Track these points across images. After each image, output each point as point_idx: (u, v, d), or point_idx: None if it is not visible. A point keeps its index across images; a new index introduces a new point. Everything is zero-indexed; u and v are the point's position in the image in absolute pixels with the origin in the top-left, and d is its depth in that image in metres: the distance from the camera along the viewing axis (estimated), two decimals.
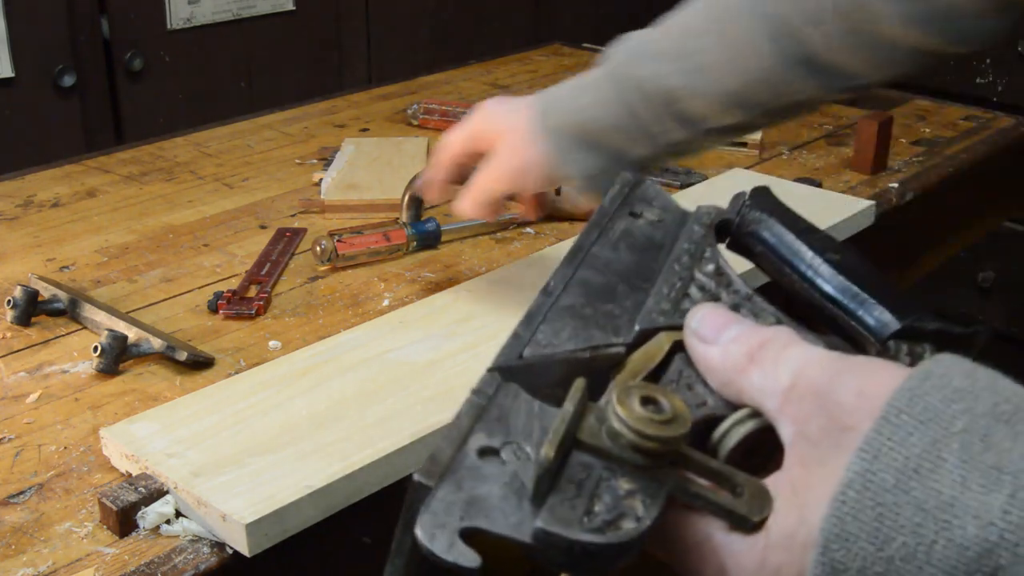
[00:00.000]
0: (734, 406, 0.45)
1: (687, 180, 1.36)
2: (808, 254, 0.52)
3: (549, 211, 1.23)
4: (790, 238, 0.53)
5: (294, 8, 2.20)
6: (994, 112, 1.66)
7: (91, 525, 0.75)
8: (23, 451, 0.83)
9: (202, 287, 1.09)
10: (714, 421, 0.45)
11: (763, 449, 0.44)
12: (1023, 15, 0.76)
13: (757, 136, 1.48)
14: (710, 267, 0.51)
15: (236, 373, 0.92)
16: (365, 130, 1.55)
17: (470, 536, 0.39)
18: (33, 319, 1.01)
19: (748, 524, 0.41)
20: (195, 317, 1.03)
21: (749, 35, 0.81)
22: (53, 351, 0.97)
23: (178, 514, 0.75)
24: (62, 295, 1.02)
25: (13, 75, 1.83)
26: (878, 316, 0.49)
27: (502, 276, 1.07)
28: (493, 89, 1.73)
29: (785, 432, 0.43)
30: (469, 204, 0.93)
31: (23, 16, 1.81)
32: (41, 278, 1.07)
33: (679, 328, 0.48)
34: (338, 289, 1.08)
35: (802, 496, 0.41)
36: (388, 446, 0.79)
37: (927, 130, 1.59)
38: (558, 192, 1.23)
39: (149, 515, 0.74)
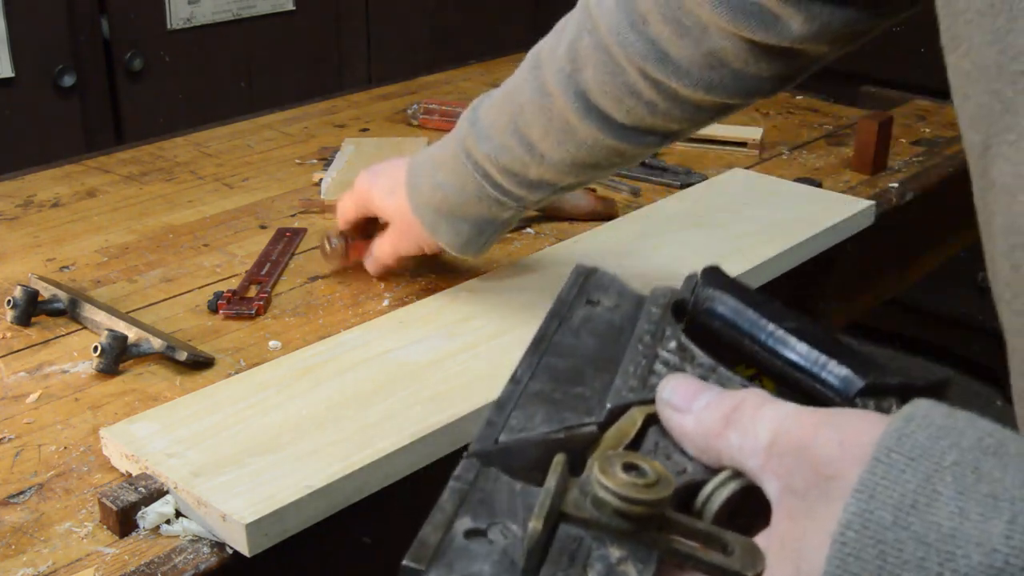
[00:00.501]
0: (714, 470, 0.46)
1: (687, 180, 1.36)
2: (767, 324, 0.53)
3: (548, 211, 1.24)
4: (746, 311, 0.54)
5: (294, 8, 2.21)
6: None
7: (91, 525, 0.75)
8: (23, 451, 0.83)
9: (202, 287, 1.09)
10: (695, 487, 0.46)
11: (746, 510, 0.45)
12: (799, 69, 0.82)
13: (757, 136, 1.48)
14: (672, 344, 0.52)
15: (236, 373, 0.92)
16: (365, 130, 1.55)
17: None
18: (33, 319, 1.01)
19: None
20: (195, 317, 1.03)
21: (566, 113, 0.87)
22: (53, 351, 0.97)
23: (178, 514, 0.75)
24: (62, 295, 1.02)
25: (13, 75, 1.83)
26: (843, 376, 0.51)
27: (502, 276, 1.07)
28: (493, 89, 1.72)
29: (770, 488, 0.43)
30: (375, 269, 1.07)
31: (23, 16, 1.81)
32: (41, 278, 1.07)
33: (650, 402, 0.49)
34: (338, 289, 1.08)
35: (794, 548, 0.41)
36: (388, 446, 0.79)
37: (927, 130, 1.59)
38: None
39: (149, 515, 0.74)
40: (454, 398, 0.84)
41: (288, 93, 2.09)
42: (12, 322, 1.00)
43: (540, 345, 0.54)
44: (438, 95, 1.69)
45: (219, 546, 0.73)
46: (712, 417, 0.46)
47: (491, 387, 0.85)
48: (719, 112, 0.86)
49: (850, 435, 0.41)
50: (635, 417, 0.48)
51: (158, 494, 0.75)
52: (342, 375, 0.88)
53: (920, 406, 0.41)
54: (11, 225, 1.24)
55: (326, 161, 1.40)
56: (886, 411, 0.49)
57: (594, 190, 1.30)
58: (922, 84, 1.95)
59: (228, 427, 0.81)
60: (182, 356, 0.92)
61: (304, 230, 1.21)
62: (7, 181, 1.37)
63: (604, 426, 0.49)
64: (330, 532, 0.76)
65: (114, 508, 0.73)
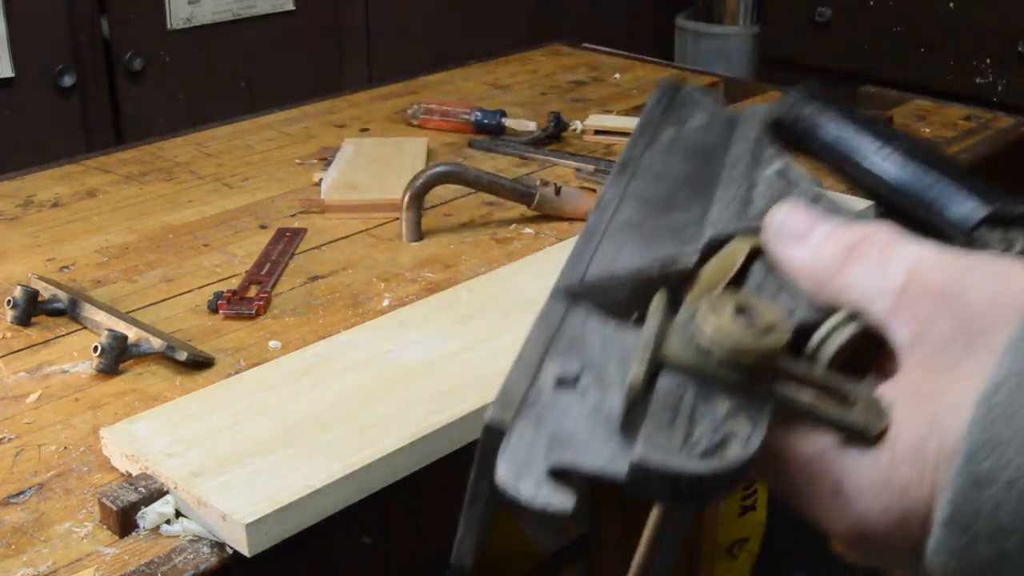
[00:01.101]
0: (828, 312, 0.40)
1: None
2: (873, 144, 0.47)
3: (548, 211, 1.24)
4: (850, 130, 0.48)
5: (294, 8, 2.21)
6: (994, 112, 1.66)
7: (91, 525, 0.75)
8: (23, 451, 0.83)
9: (202, 287, 1.09)
10: (806, 331, 0.39)
11: (862, 358, 0.40)
12: None
13: None
14: (772, 168, 0.45)
15: (236, 373, 0.92)
16: (365, 130, 1.55)
17: (558, 477, 0.34)
18: (33, 319, 1.01)
19: (867, 436, 0.36)
20: (195, 317, 1.03)
21: None
22: (53, 351, 0.97)
23: (178, 514, 0.75)
24: (62, 295, 1.02)
25: (13, 75, 1.83)
26: (961, 203, 0.44)
27: (502, 276, 1.07)
28: (493, 89, 1.73)
29: (900, 335, 0.38)
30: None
31: (23, 16, 1.81)
32: (41, 278, 1.07)
33: (754, 232, 0.42)
34: (338, 289, 1.08)
35: (930, 404, 0.36)
36: (388, 446, 0.79)
37: (927, 130, 1.59)
38: (558, 192, 1.23)
39: (149, 515, 0.74)
40: (454, 398, 0.84)
41: (288, 93, 2.09)
42: (12, 322, 1.00)
43: (626, 169, 0.47)
44: (438, 95, 1.69)
45: (219, 546, 0.73)
46: (832, 250, 0.39)
47: (491, 387, 0.85)
48: None
49: (1007, 285, 0.36)
50: (737, 249, 0.42)
51: (158, 494, 0.75)
52: (342, 375, 0.88)
53: None
54: (11, 225, 1.24)
55: (326, 161, 1.40)
56: (1012, 243, 0.44)
57: (594, 190, 1.30)
58: (922, 84, 1.96)
59: (228, 427, 0.81)
60: (182, 356, 0.92)
61: (304, 230, 1.21)
62: (7, 181, 1.37)
63: (702, 259, 0.43)
64: (330, 532, 0.76)
65: (114, 508, 0.73)
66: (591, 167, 1.39)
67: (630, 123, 1.51)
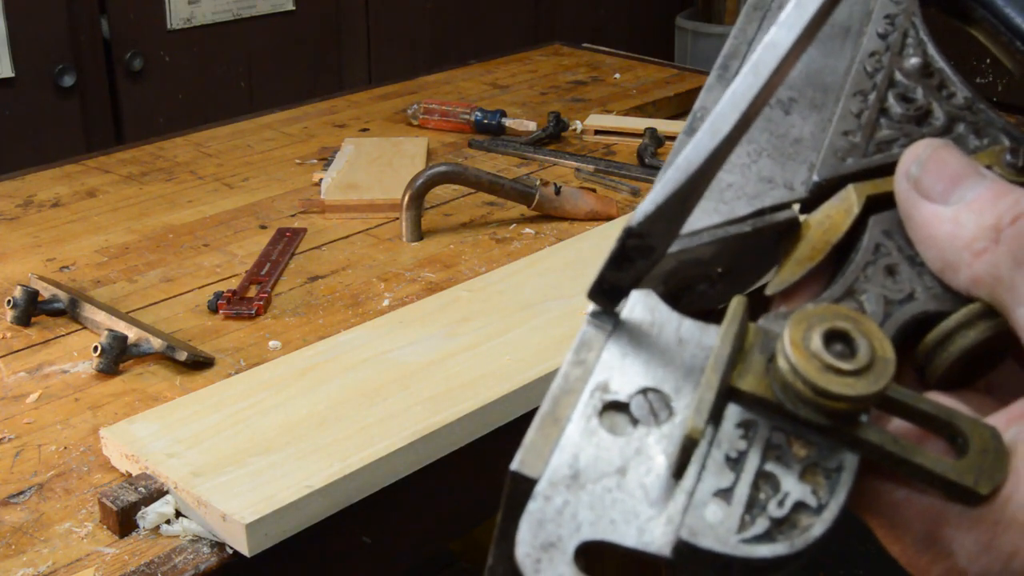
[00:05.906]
0: (956, 299, 0.32)
1: None
2: None
3: (548, 211, 1.24)
4: None
5: (294, 8, 2.21)
6: None
7: (91, 525, 0.75)
8: (23, 451, 0.83)
9: (202, 287, 1.09)
10: (925, 320, 0.32)
11: (989, 360, 0.32)
12: None
13: None
14: (913, 61, 0.36)
15: (236, 373, 0.92)
16: (365, 130, 1.55)
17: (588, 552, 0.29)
18: (33, 319, 1.01)
19: (974, 497, 0.29)
20: (195, 317, 1.03)
21: None
22: (53, 351, 0.97)
23: (178, 514, 0.75)
24: (62, 295, 1.02)
25: (13, 75, 1.83)
26: None
27: (502, 276, 1.07)
28: (493, 89, 1.73)
29: None
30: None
31: (23, 16, 1.82)
32: (41, 278, 1.07)
33: (876, 173, 0.34)
34: (338, 289, 1.08)
35: None
36: (388, 446, 0.79)
37: None
38: (558, 192, 1.23)
39: (149, 515, 0.74)
40: (454, 398, 0.84)
41: (288, 93, 2.09)
42: (12, 322, 1.00)
43: (730, 69, 0.37)
44: (438, 95, 1.69)
45: (219, 546, 0.73)
46: (978, 223, 0.30)
47: (491, 387, 0.85)
48: None
49: None
50: (851, 201, 0.34)
51: (158, 494, 0.75)
52: (342, 375, 0.88)
53: None
54: (11, 225, 1.24)
55: (326, 161, 1.40)
56: None
57: (594, 190, 1.30)
58: None
59: (228, 427, 0.81)
60: (182, 356, 0.92)
61: (304, 230, 1.21)
62: (7, 181, 1.37)
63: (808, 206, 0.35)
64: (330, 532, 0.76)
65: (114, 508, 0.73)
66: (591, 167, 1.39)
67: (630, 123, 1.51)
